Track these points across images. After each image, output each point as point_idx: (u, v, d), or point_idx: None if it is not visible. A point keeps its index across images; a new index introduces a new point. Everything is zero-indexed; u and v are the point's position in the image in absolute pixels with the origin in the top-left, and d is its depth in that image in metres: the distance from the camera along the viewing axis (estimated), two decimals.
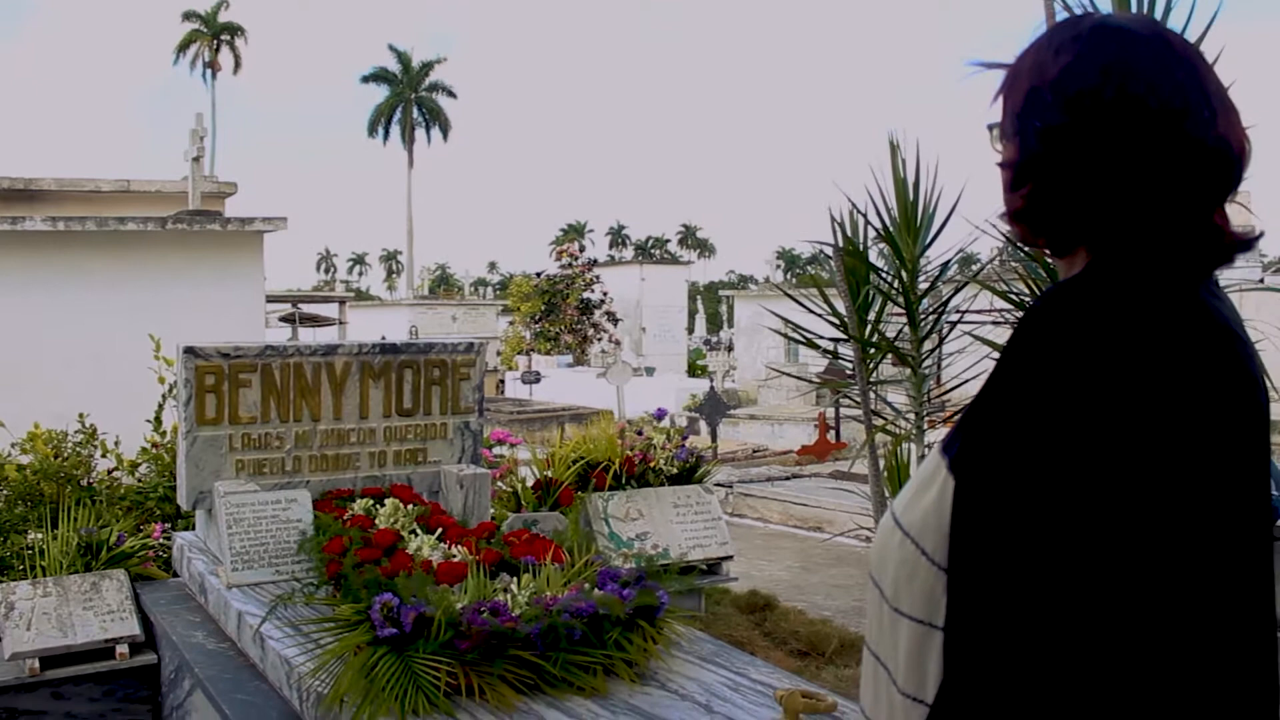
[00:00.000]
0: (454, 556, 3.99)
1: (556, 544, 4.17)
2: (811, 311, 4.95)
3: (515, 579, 3.81)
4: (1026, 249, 4.00)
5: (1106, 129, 1.33)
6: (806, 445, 14.68)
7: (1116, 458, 1.23)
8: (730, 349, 31.53)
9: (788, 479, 12.93)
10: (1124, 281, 1.32)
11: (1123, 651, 1.23)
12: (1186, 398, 1.26)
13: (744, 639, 6.34)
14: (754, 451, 16.49)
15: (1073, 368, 1.26)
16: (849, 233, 4.69)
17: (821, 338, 4.89)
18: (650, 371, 29.07)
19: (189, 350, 4.79)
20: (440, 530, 4.35)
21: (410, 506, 4.66)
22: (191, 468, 4.87)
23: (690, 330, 43.31)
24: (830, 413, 15.87)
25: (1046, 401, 1.26)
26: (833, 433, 15.25)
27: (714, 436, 15.36)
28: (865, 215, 4.61)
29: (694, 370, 33.65)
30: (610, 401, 21.05)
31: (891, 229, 4.49)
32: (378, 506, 4.69)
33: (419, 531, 4.33)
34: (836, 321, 4.76)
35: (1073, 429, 1.24)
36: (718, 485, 12.33)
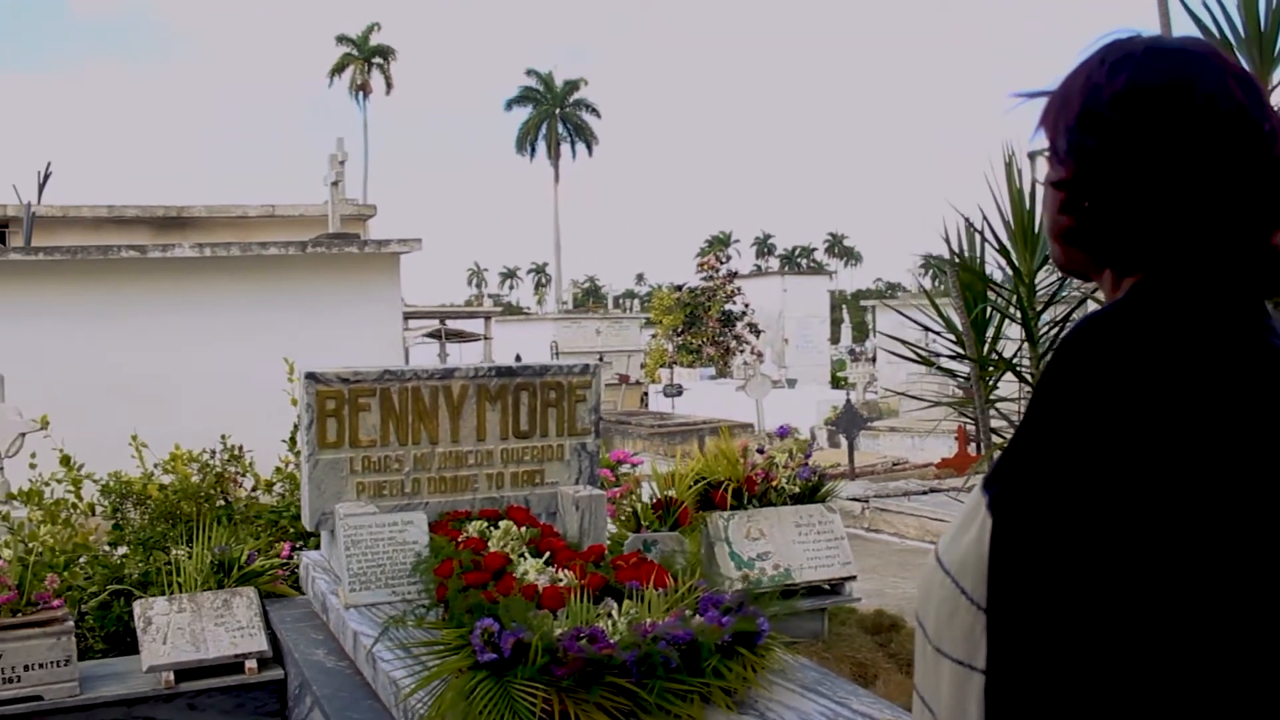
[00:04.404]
0: (560, 581, 4.03)
1: (663, 567, 4.17)
2: (929, 330, 4.86)
3: (619, 604, 3.82)
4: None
5: (1167, 144, 1.31)
6: (946, 458, 14.34)
7: (1159, 502, 1.20)
8: (873, 359, 31.13)
9: (924, 494, 12.70)
10: (1172, 311, 1.29)
11: (1162, 702, 1.20)
12: (1241, 444, 1.22)
13: (867, 660, 6.25)
14: (894, 464, 16.24)
15: (1113, 405, 1.23)
16: (964, 247, 4.59)
17: (939, 355, 4.79)
18: (792, 383, 28.87)
19: (310, 376, 4.94)
20: (549, 554, 4.39)
21: (523, 529, 4.72)
22: (314, 490, 5.02)
23: (835, 340, 42.90)
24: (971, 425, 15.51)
25: (1085, 442, 1.23)
26: (973, 445, 14.90)
27: (851, 450, 15.15)
28: (980, 231, 4.50)
29: (837, 381, 33.31)
30: (751, 414, 20.98)
31: (1008, 243, 4.38)
32: (492, 529, 4.76)
33: (527, 555, 4.37)
34: (953, 338, 4.66)
35: (1114, 471, 1.21)
36: (853, 500, 12.19)
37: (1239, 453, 1.22)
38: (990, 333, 4.71)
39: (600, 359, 32.14)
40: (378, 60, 64.09)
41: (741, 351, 34.31)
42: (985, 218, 4.41)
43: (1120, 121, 1.33)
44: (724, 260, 37.23)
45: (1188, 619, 1.20)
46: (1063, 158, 1.40)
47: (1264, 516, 1.23)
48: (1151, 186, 1.31)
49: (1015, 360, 4.69)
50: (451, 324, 28.42)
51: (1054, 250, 1.49)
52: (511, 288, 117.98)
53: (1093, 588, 1.21)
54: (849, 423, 15.24)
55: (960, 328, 4.76)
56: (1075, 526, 1.22)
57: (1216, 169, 1.30)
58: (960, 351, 4.83)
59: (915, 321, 4.81)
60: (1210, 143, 1.30)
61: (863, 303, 43.36)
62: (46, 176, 13.14)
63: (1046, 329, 4.59)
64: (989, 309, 4.72)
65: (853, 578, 6.35)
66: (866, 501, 12.20)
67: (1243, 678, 1.22)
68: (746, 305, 34.81)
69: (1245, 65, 1.29)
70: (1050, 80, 1.50)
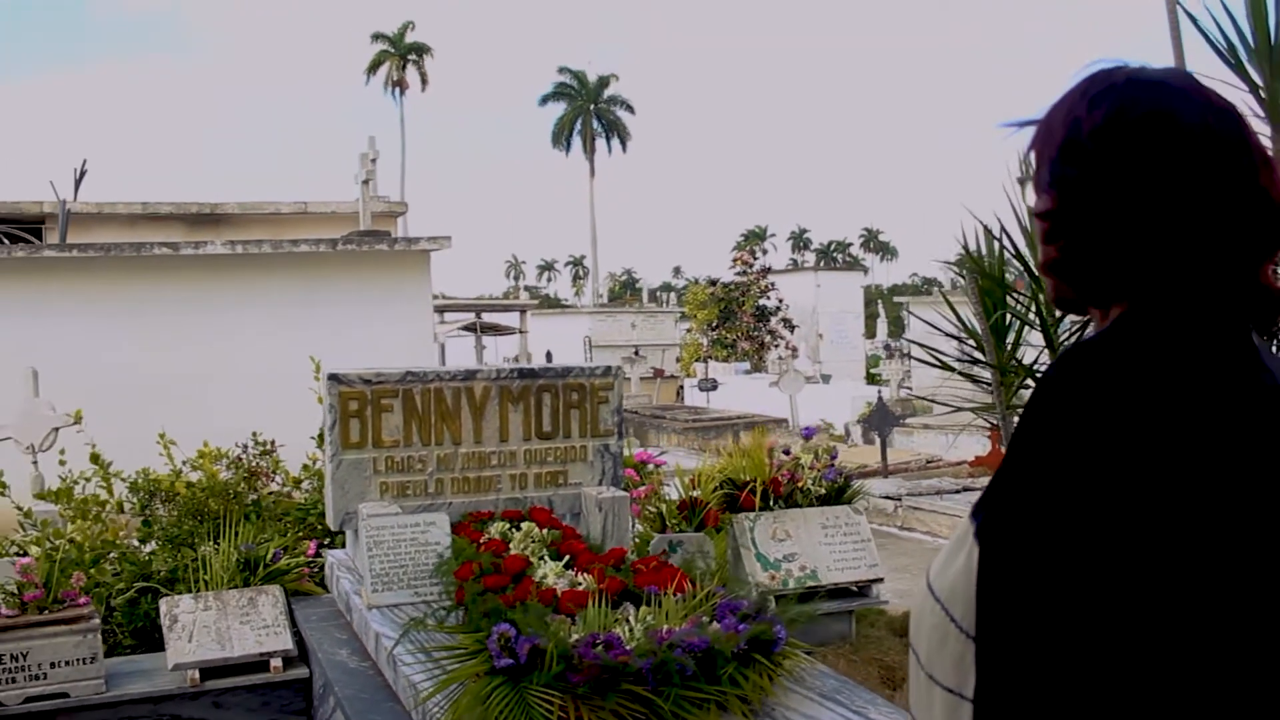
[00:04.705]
0: (579, 584, 4.02)
1: (683, 571, 4.16)
2: (952, 337, 4.82)
3: (637, 609, 3.81)
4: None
5: (1147, 175, 1.30)
6: (980, 456, 14.27)
7: (1142, 532, 1.19)
8: (908, 355, 30.95)
9: (958, 492, 12.60)
10: (1154, 341, 1.28)
11: None
12: (1222, 472, 1.21)
13: (895, 663, 6.19)
14: (927, 462, 16.13)
15: (1096, 435, 1.21)
16: (983, 253, 4.55)
17: (960, 360, 4.76)
18: (827, 379, 28.75)
19: (333, 377, 4.96)
20: (569, 556, 4.38)
21: (545, 531, 4.72)
22: (338, 490, 5.04)
23: (872, 335, 42.72)
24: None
25: (1068, 471, 1.22)
26: (1005, 446, 14.79)
27: (883, 448, 15.07)
28: (999, 238, 4.46)
29: (872, 378, 33.15)
30: (786, 409, 20.93)
31: (1025, 250, 4.34)
32: (514, 530, 4.76)
33: (548, 558, 4.37)
34: (974, 344, 4.62)
35: (1097, 501, 1.20)
36: (886, 498, 12.12)
37: (1221, 481, 1.21)
38: (1011, 339, 4.67)
39: (635, 353, 32.17)
40: (413, 57, 64.39)
41: (776, 346, 34.22)
42: (1002, 224, 4.39)
43: (1100, 153, 1.33)
44: (759, 255, 37.14)
45: (1172, 649, 1.19)
46: (1046, 189, 1.40)
47: (1243, 545, 1.22)
48: (1132, 217, 1.31)
49: (1035, 367, 4.65)
50: (487, 317, 28.48)
51: (1045, 283, 1.49)
52: (550, 280, 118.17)
53: (1077, 617, 1.21)
54: (881, 420, 15.17)
55: (981, 333, 4.72)
56: (1060, 556, 1.22)
57: (1196, 200, 1.29)
58: (980, 357, 4.79)
59: (936, 327, 4.77)
60: (1190, 174, 1.29)
61: (896, 299, 43.18)
62: (82, 173, 13.29)
63: (1066, 335, 4.55)
64: (1008, 315, 4.69)
65: (879, 580, 6.32)
66: (899, 500, 12.13)
67: (1226, 709, 1.21)
68: (780, 300, 34.71)
69: (1255, 77, 1.27)
70: (1040, 109, 1.50)
